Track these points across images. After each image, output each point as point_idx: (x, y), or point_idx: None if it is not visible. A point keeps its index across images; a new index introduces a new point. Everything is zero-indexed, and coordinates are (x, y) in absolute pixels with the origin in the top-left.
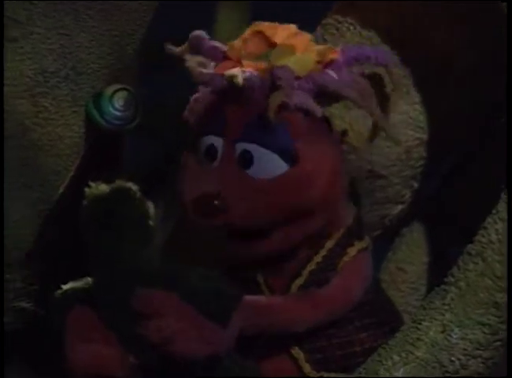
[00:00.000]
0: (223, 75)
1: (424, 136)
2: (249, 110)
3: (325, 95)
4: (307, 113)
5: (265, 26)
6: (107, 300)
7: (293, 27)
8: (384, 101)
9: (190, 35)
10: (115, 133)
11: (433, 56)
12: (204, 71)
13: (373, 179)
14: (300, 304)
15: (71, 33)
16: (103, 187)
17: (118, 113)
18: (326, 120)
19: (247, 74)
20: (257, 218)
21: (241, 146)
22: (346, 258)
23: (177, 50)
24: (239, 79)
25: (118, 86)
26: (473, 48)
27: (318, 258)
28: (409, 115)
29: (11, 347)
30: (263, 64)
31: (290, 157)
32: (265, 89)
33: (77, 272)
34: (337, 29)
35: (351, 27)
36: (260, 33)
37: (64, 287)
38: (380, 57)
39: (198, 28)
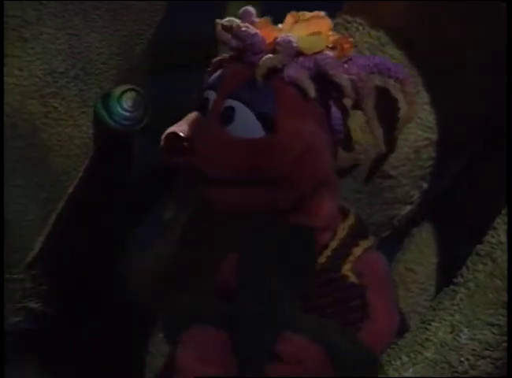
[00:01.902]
0: (241, 38)
1: (434, 136)
2: (246, 70)
3: (323, 79)
4: (300, 89)
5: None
6: (246, 330)
7: (322, 13)
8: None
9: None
10: (124, 133)
11: (444, 56)
12: (224, 31)
13: (382, 179)
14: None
15: (80, 33)
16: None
17: (127, 114)
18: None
19: (250, 29)
20: (222, 169)
21: (228, 103)
22: (351, 258)
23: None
24: (233, 23)
25: (127, 86)
26: (484, 48)
27: (322, 259)
28: (418, 115)
29: (20, 347)
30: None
31: (268, 124)
32: (264, 52)
33: (85, 273)
34: (346, 29)
35: (360, 27)
36: (295, 15)
37: (183, 299)
38: (400, 72)
39: (207, 29)
